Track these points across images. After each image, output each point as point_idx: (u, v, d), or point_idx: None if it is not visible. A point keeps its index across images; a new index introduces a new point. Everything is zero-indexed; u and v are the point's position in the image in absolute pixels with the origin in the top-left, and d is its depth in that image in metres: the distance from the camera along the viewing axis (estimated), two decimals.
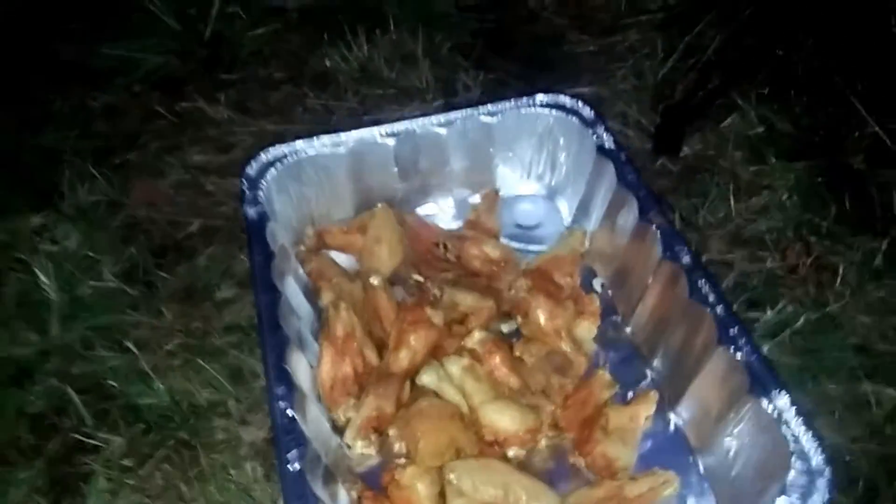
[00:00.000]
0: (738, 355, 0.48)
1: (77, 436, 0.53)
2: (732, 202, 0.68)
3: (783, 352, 0.57)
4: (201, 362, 0.56)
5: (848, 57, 0.78)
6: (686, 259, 0.53)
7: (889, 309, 0.59)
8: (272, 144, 0.61)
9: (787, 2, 0.84)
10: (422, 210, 0.67)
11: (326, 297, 0.58)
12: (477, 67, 0.84)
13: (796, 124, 0.76)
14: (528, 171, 0.68)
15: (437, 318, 0.54)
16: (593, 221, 0.63)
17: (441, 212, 0.67)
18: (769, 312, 0.60)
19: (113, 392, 0.56)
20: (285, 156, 0.62)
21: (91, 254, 0.65)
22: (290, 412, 0.47)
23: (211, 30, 0.88)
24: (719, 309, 0.50)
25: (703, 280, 0.52)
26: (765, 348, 0.57)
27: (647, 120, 0.78)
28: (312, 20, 0.90)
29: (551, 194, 0.68)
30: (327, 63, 0.83)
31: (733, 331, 0.49)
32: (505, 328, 0.58)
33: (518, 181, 0.68)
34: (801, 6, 0.83)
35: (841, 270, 0.61)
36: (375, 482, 0.49)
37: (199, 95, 0.81)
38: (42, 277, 0.62)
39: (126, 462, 0.52)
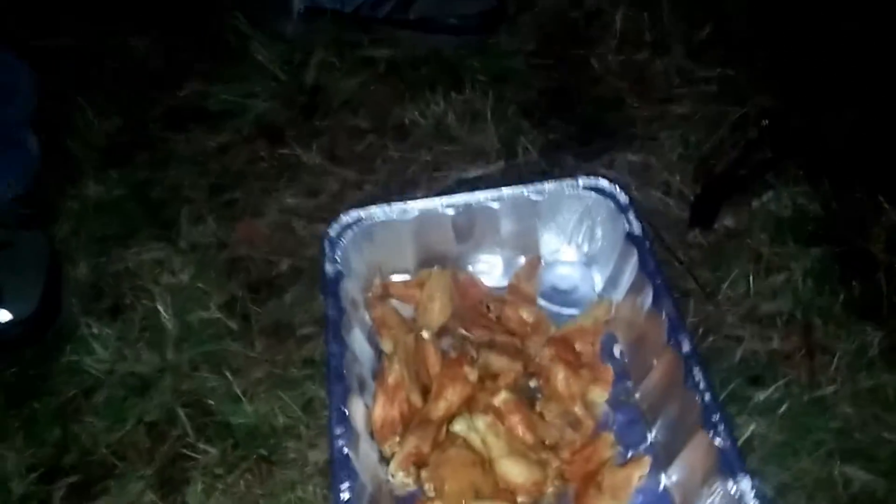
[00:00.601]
0: (717, 440, 0.58)
1: (182, 445, 0.67)
2: (752, 280, 0.76)
3: (772, 428, 0.66)
4: (280, 392, 0.69)
5: (881, 144, 0.84)
6: (686, 348, 0.62)
7: (873, 399, 0.66)
8: (354, 201, 0.73)
9: (838, 83, 0.90)
10: (473, 267, 0.78)
11: (386, 346, 0.70)
12: (538, 126, 0.94)
13: (826, 207, 0.82)
14: (569, 239, 0.78)
15: (472, 375, 0.65)
16: (620, 293, 0.73)
17: (490, 269, 0.78)
18: (768, 390, 0.68)
19: (211, 410, 0.70)
20: (361, 219, 0.74)
21: (201, 286, 0.79)
22: (345, 450, 0.59)
23: (312, 78, 1.01)
24: (707, 396, 0.60)
25: (698, 368, 0.61)
26: (757, 423, 0.66)
27: (689, 190, 0.86)
28: (399, 72, 1.01)
29: (588, 262, 0.78)
30: (407, 118, 0.95)
31: (715, 417, 0.58)
32: (532, 383, 0.69)
33: (559, 248, 0.78)
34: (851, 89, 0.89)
35: (836, 358, 0.69)
36: None
37: (296, 141, 0.94)
38: (160, 306, 0.76)
39: (217, 471, 0.65)
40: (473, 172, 0.89)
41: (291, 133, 0.95)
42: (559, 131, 0.93)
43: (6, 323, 0.72)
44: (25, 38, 1.03)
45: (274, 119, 0.97)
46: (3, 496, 0.66)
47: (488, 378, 0.67)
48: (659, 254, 0.73)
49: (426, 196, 0.76)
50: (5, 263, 0.74)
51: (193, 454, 0.67)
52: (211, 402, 0.70)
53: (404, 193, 0.86)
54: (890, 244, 0.77)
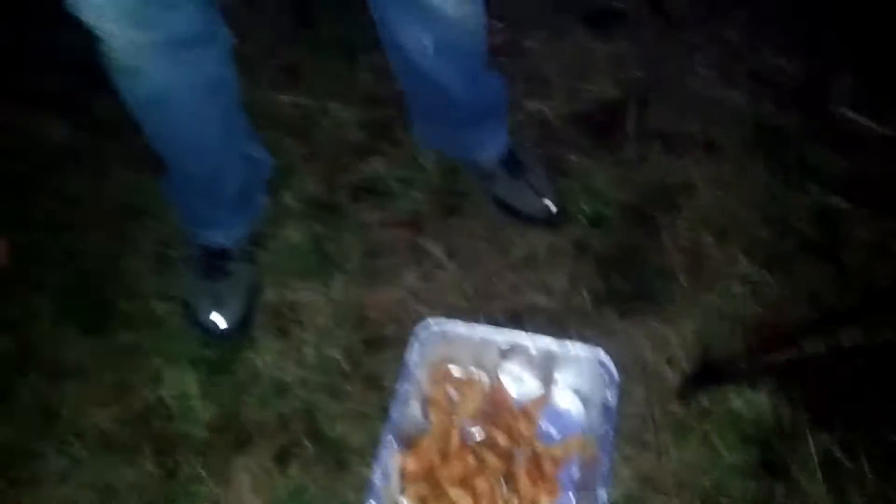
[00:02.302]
0: None
1: (290, 439, 1.10)
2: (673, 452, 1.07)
3: None
4: (358, 424, 1.10)
5: None
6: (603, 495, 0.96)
7: None
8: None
9: None
10: (509, 375, 1.12)
11: (431, 418, 1.08)
12: (601, 277, 1.24)
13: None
14: (575, 385, 1.11)
15: (471, 460, 1.02)
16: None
17: (521, 381, 1.12)
18: None
19: (316, 420, 1.11)
20: (442, 327, 1.11)
21: (336, 328, 1.19)
22: (377, 482, 0.98)
23: (463, 185, 1.36)
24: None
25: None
26: None
27: (689, 368, 1.15)
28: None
29: (585, 404, 1.10)
30: (515, 238, 1.29)
31: None
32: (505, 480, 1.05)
33: (569, 385, 1.11)
34: None
35: None
36: None
37: (431, 235, 1.30)
38: (306, 336, 1.18)
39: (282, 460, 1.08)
40: (538, 301, 1.22)
41: (430, 226, 1.32)
42: (615, 285, 1.24)
43: (221, 327, 1.17)
44: None
45: (421, 210, 1.34)
46: None
47: (481, 464, 1.03)
48: (633, 410, 1.06)
49: (492, 316, 1.14)
50: (228, 286, 1.18)
51: (298, 450, 1.09)
52: (316, 414, 1.11)
53: (486, 302, 1.22)
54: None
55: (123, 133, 1.35)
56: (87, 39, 0.92)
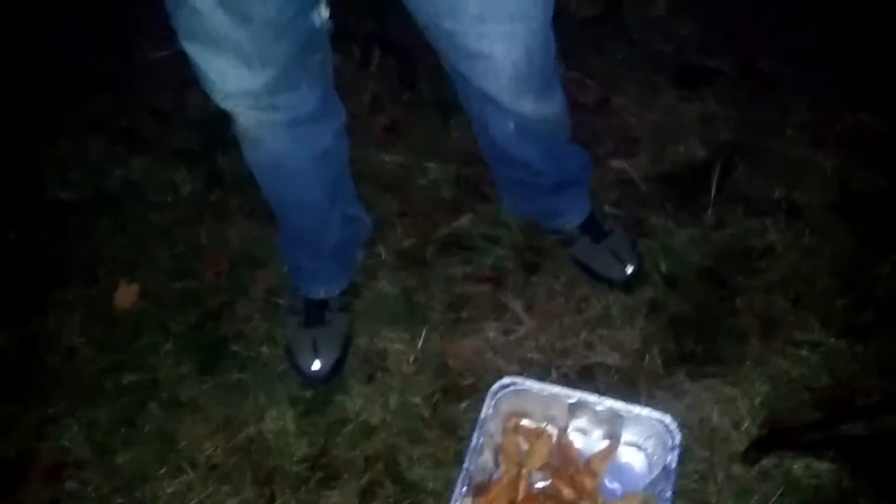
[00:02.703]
0: None
1: (372, 480, 1.20)
2: None
3: None
4: (436, 467, 1.19)
5: None
6: None
7: None
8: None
9: None
10: (576, 429, 1.19)
11: (501, 468, 1.16)
12: (673, 340, 1.29)
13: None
14: (640, 443, 1.16)
15: None
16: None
17: (587, 435, 1.19)
18: None
19: (399, 463, 1.21)
20: (515, 384, 1.18)
21: (420, 378, 1.30)
22: None
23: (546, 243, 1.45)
24: None
25: None
26: None
27: (755, 430, 1.18)
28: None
29: (649, 464, 1.16)
30: (596, 298, 1.36)
31: None
32: None
33: (633, 444, 1.17)
34: None
35: None
36: None
37: (512, 289, 1.39)
38: (393, 383, 1.29)
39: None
40: (610, 359, 1.28)
41: (511, 282, 1.40)
42: (687, 347, 1.29)
43: (317, 368, 1.29)
44: None
45: (504, 266, 1.43)
46: None
47: None
48: (696, 469, 1.11)
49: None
50: (325, 335, 1.31)
51: (380, 489, 1.19)
52: (398, 456, 1.22)
53: (559, 358, 1.29)
54: None
55: (247, 188, 1.53)
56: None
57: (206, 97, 1.02)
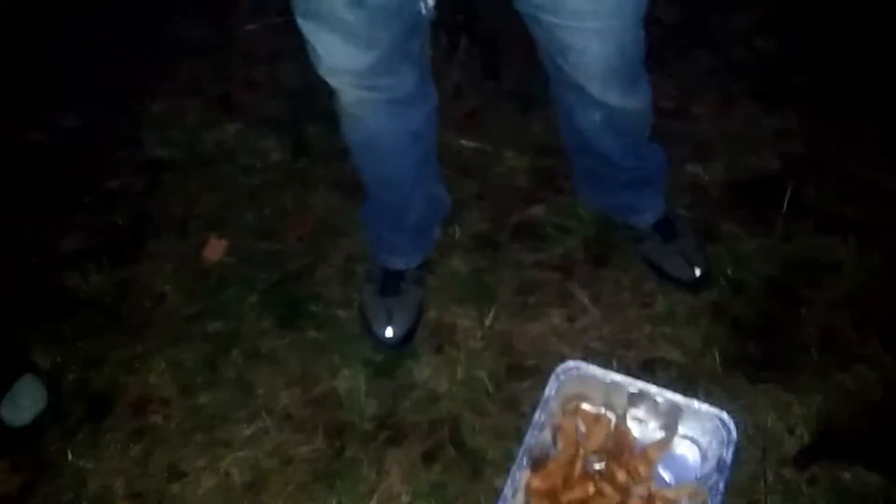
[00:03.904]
0: None
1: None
2: None
3: None
4: (499, 438, 1.26)
5: None
6: None
7: None
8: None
9: None
10: (635, 416, 1.24)
11: (559, 446, 1.22)
12: (735, 342, 1.33)
13: None
14: (696, 436, 1.21)
15: (590, 489, 1.15)
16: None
17: (646, 424, 1.24)
18: None
19: (461, 430, 1.28)
20: (578, 368, 1.24)
21: (485, 351, 1.36)
22: (507, 494, 1.13)
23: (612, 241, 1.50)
24: None
25: None
26: None
27: (809, 435, 1.22)
28: None
29: (703, 454, 1.20)
30: (659, 293, 1.40)
31: None
32: None
33: (689, 436, 1.22)
34: None
35: None
36: None
37: (579, 280, 1.44)
38: (460, 355, 1.35)
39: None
40: (671, 355, 1.33)
41: (580, 272, 1.46)
42: (747, 350, 1.33)
43: (390, 335, 1.36)
44: None
45: (573, 256, 1.48)
46: None
47: (598, 494, 1.16)
48: (747, 468, 1.15)
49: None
50: (399, 304, 1.38)
51: (442, 453, 1.26)
52: (460, 425, 1.28)
53: (622, 349, 1.34)
54: None
55: (332, 159, 1.61)
56: (304, 69, 1.12)
57: (297, 69, 1.09)
